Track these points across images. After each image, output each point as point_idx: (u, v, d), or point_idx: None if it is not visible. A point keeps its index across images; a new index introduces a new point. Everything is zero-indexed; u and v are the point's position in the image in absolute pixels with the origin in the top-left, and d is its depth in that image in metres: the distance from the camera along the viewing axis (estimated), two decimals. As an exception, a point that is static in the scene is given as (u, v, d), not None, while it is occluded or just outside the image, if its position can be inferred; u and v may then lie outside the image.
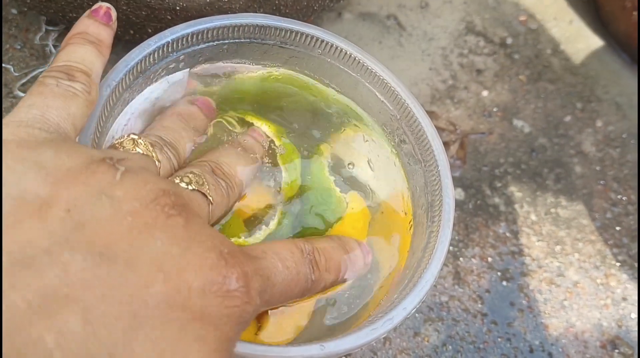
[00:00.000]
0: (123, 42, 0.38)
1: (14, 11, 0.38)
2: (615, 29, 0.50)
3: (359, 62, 0.27)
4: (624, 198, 0.44)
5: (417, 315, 0.36)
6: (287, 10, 0.31)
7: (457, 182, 0.42)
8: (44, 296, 0.14)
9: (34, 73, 0.37)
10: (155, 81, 0.25)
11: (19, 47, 0.38)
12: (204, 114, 0.26)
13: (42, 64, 0.37)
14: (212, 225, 0.23)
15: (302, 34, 0.26)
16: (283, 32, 0.26)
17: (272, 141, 0.26)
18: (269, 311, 0.23)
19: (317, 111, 0.28)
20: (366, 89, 0.28)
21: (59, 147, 0.17)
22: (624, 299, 0.40)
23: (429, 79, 0.45)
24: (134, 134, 0.22)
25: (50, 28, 0.38)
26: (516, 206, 0.42)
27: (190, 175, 0.21)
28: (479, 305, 0.38)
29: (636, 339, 0.39)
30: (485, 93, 0.46)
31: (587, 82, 0.49)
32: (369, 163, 0.28)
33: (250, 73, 0.28)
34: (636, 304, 0.40)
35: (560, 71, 0.49)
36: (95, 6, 0.23)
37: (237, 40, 0.26)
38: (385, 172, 0.28)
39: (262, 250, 0.20)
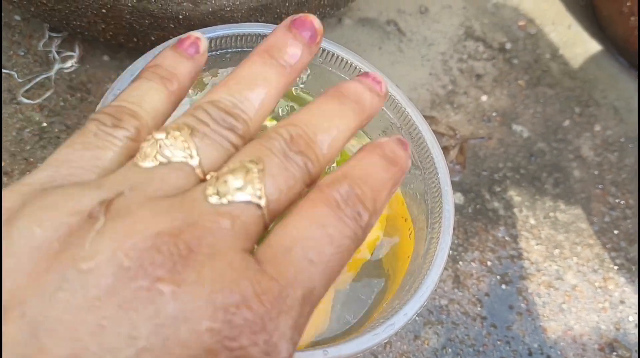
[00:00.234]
0: (126, 49, 0.39)
1: (18, 17, 0.39)
2: (613, 33, 0.51)
3: (360, 70, 0.28)
4: (622, 202, 0.44)
5: (417, 318, 0.37)
6: (289, 18, 0.32)
7: (457, 187, 0.42)
8: None
9: (37, 79, 0.37)
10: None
11: (22, 53, 0.38)
12: (301, 41, 0.20)
13: (45, 71, 0.38)
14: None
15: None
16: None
17: None
18: None
19: None
20: None
21: (40, 205, 0.14)
22: (622, 302, 0.41)
23: (428, 85, 0.46)
24: (160, 131, 0.17)
25: (54, 35, 0.38)
26: (515, 210, 0.42)
27: (229, 178, 0.16)
28: (479, 308, 0.38)
29: (633, 342, 0.39)
30: (484, 98, 0.46)
31: (586, 87, 0.49)
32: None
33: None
34: (633, 307, 0.41)
35: (559, 76, 0.49)
36: (184, 35, 0.21)
37: (240, 50, 0.26)
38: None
39: (285, 248, 0.16)
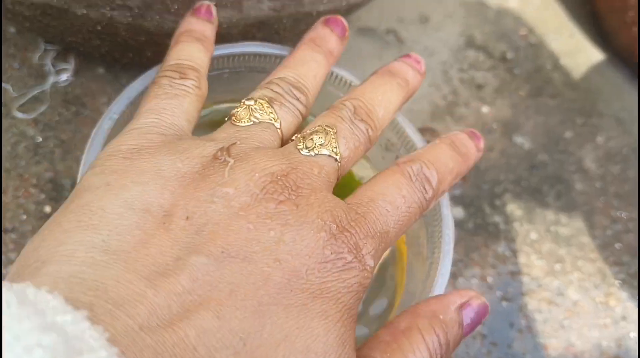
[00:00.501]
0: (121, 64, 0.38)
1: (13, 30, 0.38)
2: (616, 43, 0.50)
3: (354, 84, 0.27)
4: (624, 215, 0.44)
5: (416, 335, 0.36)
6: (286, 34, 0.31)
7: (458, 200, 0.42)
8: (182, 299, 0.15)
9: (33, 93, 0.37)
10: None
11: (17, 66, 0.37)
12: (336, 34, 0.25)
13: (40, 84, 0.37)
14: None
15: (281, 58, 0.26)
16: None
17: None
18: None
19: None
20: None
21: (175, 150, 0.19)
22: (624, 318, 0.40)
23: (429, 95, 0.45)
24: (249, 99, 0.22)
25: (49, 47, 0.38)
26: (516, 224, 0.42)
27: (314, 137, 0.21)
28: (479, 326, 0.38)
29: (636, 359, 0.39)
30: (485, 109, 0.46)
31: (588, 97, 0.49)
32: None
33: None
34: (635, 323, 0.40)
35: (560, 86, 0.48)
36: (196, 5, 0.25)
37: (236, 70, 0.26)
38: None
39: (369, 198, 0.20)
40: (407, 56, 0.25)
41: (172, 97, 0.21)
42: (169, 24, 0.28)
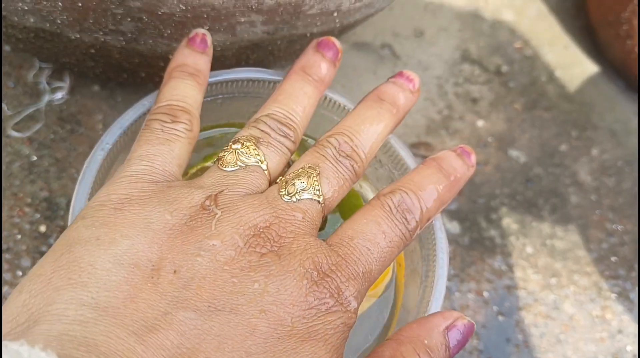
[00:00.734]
0: (115, 82, 0.38)
1: (7, 48, 0.38)
2: (611, 56, 0.50)
3: (347, 109, 0.27)
4: (619, 228, 0.44)
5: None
6: (281, 54, 0.31)
7: (454, 215, 0.42)
8: (171, 354, 0.16)
9: (27, 111, 0.37)
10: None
11: (12, 85, 0.37)
12: (327, 59, 0.25)
13: (35, 102, 0.37)
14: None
15: (274, 83, 0.26)
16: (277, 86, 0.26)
17: None
18: None
19: None
20: None
21: (165, 200, 0.19)
22: (620, 332, 0.40)
23: (424, 110, 0.45)
24: (235, 141, 0.22)
25: (44, 65, 0.38)
26: (512, 238, 0.42)
27: (296, 182, 0.21)
28: (475, 341, 0.38)
29: (632, 373, 0.39)
30: (480, 123, 0.46)
31: (583, 110, 0.49)
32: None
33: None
34: (631, 336, 0.40)
35: (555, 99, 0.49)
36: (191, 33, 0.24)
37: (231, 95, 0.26)
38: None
39: (349, 237, 0.20)
40: (399, 74, 0.25)
41: (163, 142, 0.21)
42: (162, 47, 0.28)
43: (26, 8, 0.25)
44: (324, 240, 0.20)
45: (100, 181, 0.23)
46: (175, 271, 0.17)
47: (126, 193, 0.19)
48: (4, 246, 0.33)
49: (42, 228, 0.34)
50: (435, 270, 0.24)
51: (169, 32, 0.26)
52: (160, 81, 0.33)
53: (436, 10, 0.50)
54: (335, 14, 0.29)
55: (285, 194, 0.20)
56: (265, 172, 0.21)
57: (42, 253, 0.34)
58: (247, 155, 0.21)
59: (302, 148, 0.28)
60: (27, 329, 0.15)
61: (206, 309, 0.17)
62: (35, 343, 0.14)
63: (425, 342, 0.20)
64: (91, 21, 0.25)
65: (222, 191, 0.20)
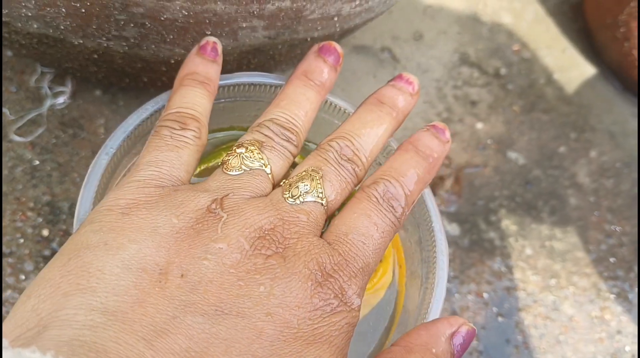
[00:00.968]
0: (117, 87, 0.38)
1: (10, 54, 0.38)
2: (608, 58, 0.51)
3: (348, 113, 0.27)
4: (618, 229, 0.44)
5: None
6: (282, 59, 0.32)
7: (453, 217, 0.42)
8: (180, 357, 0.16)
9: (30, 116, 0.37)
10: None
11: (14, 90, 0.38)
12: (329, 64, 0.25)
13: (37, 107, 0.37)
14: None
15: (278, 87, 0.26)
16: (278, 89, 0.26)
17: None
18: None
19: None
20: None
21: (171, 204, 0.19)
22: (619, 332, 0.41)
23: (423, 113, 0.45)
24: (239, 146, 0.22)
25: (46, 70, 0.38)
26: (511, 240, 0.42)
27: (300, 185, 0.21)
28: (475, 343, 0.38)
29: (631, 373, 0.39)
30: (479, 125, 0.46)
31: (581, 112, 0.49)
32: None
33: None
34: (630, 337, 0.40)
35: (554, 101, 0.49)
36: (202, 41, 0.25)
37: (232, 99, 0.26)
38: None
39: (343, 233, 0.20)
40: (399, 77, 0.25)
41: (172, 149, 0.21)
42: (165, 53, 0.28)
43: (30, 14, 0.25)
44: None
45: (104, 185, 0.23)
46: (182, 275, 0.17)
47: (133, 198, 0.19)
48: (7, 251, 0.34)
49: (45, 232, 0.34)
50: (435, 272, 0.25)
51: (172, 37, 0.26)
52: (163, 85, 0.33)
53: (435, 14, 0.50)
54: (335, 19, 0.29)
55: (289, 196, 0.21)
56: (269, 176, 0.22)
57: (44, 257, 0.34)
58: (251, 159, 0.21)
59: (304, 152, 0.28)
60: (37, 335, 0.15)
61: (213, 313, 0.17)
62: (47, 349, 0.14)
63: (433, 350, 0.20)
64: (94, 27, 0.26)
65: (228, 194, 0.20)
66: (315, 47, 0.25)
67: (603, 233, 0.44)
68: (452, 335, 0.20)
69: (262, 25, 0.27)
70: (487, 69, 0.49)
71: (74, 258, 0.17)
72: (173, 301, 0.17)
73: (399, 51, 0.48)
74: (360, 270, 0.20)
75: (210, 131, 0.27)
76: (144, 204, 0.19)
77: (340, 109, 0.27)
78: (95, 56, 0.29)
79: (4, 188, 0.35)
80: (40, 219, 0.35)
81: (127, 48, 0.27)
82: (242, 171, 0.21)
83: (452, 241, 0.41)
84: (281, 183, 0.22)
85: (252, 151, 0.21)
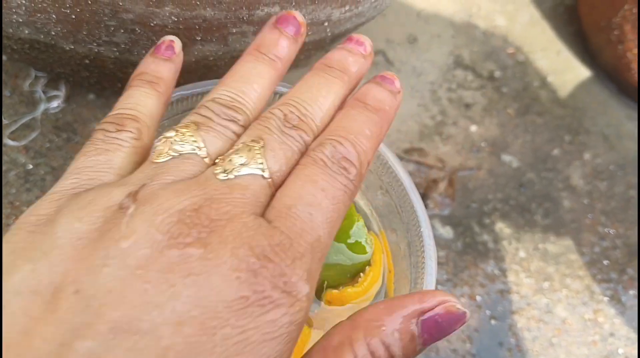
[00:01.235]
0: (110, 91, 0.38)
1: (4, 58, 0.39)
2: (603, 61, 0.51)
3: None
4: (611, 231, 0.44)
5: (406, 356, 0.37)
6: (273, 63, 0.32)
7: (446, 220, 0.42)
8: None
9: (23, 120, 0.37)
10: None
11: (8, 94, 0.38)
12: (286, 35, 0.22)
13: (31, 111, 0.37)
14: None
15: (282, 95, 0.26)
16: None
17: None
18: None
19: None
20: None
21: (77, 206, 0.17)
22: (612, 335, 0.41)
23: (417, 116, 0.46)
24: (169, 130, 0.19)
25: (40, 74, 0.38)
26: (505, 242, 0.42)
27: (234, 157, 0.18)
28: (468, 345, 0.38)
29: (624, 376, 0.39)
30: (473, 128, 0.46)
31: (575, 114, 0.49)
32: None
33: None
34: (623, 339, 0.41)
35: (548, 104, 0.49)
36: (159, 41, 0.23)
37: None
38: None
39: (287, 206, 0.17)
40: (349, 39, 0.23)
41: (101, 153, 0.19)
42: (155, 58, 0.28)
43: (21, 20, 0.26)
44: None
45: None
46: (76, 291, 0.15)
47: (45, 213, 0.17)
48: None
49: (38, 236, 0.34)
50: (424, 276, 0.25)
51: (162, 43, 0.27)
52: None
53: (429, 17, 0.50)
54: (326, 24, 0.29)
55: (220, 172, 0.18)
56: (205, 159, 0.19)
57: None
58: (181, 143, 0.19)
59: None
60: None
61: (107, 333, 0.14)
62: None
63: (383, 328, 0.17)
64: (85, 33, 0.26)
65: (145, 184, 0.17)
66: (273, 18, 0.23)
67: (597, 236, 0.44)
68: (420, 313, 0.17)
69: (252, 31, 0.27)
70: (482, 72, 0.49)
71: None
72: (62, 326, 0.14)
73: (393, 54, 0.48)
74: (309, 247, 0.17)
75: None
76: (45, 218, 0.17)
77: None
78: (87, 61, 0.29)
79: (-2, 192, 0.35)
80: (33, 223, 0.35)
81: (118, 53, 0.28)
82: (170, 156, 0.18)
83: (445, 244, 0.41)
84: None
85: (183, 134, 0.19)
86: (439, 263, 0.40)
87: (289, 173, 0.19)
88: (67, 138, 0.37)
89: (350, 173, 0.19)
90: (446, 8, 0.51)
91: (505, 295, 0.40)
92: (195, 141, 0.19)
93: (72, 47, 0.27)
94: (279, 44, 0.22)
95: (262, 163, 0.18)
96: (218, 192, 0.17)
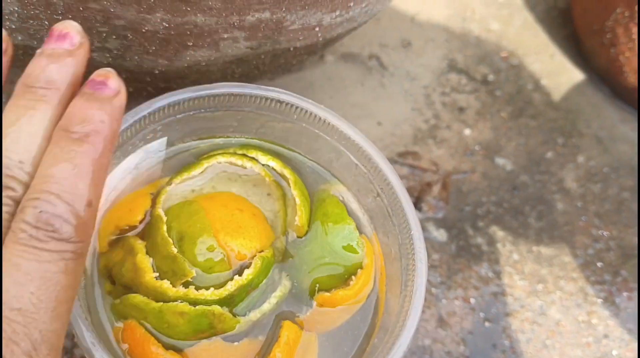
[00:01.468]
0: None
1: (-1, 64, 0.39)
2: (596, 64, 0.51)
3: (331, 124, 0.28)
4: (605, 234, 0.45)
5: (400, 359, 0.37)
6: (266, 68, 0.32)
7: (440, 223, 0.42)
8: None
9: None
10: (132, 151, 0.26)
11: (4, 100, 0.38)
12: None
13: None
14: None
15: (277, 100, 0.27)
16: (258, 100, 0.26)
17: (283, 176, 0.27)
18: None
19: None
20: (345, 156, 0.28)
21: None
22: (606, 336, 0.41)
23: (411, 120, 0.46)
24: None
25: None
26: (498, 245, 0.43)
27: None
28: (462, 348, 0.38)
29: (618, 378, 0.39)
30: (467, 131, 0.46)
31: (569, 117, 0.49)
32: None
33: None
34: (617, 341, 0.41)
35: (541, 106, 0.49)
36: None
37: (213, 110, 0.26)
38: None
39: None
40: (50, 34, 0.19)
41: None
42: (148, 63, 0.28)
43: (14, 27, 0.26)
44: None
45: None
46: None
47: None
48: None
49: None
50: (414, 279, 0.25)
51: (154, 48, 0.27)
52: (148, 95, 0.33)
53: (423, 22, 0.51)
54: (317, 29, 0.29)
55: None
56: None
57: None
58: None
59: (301, 166, 0.29)
60: None
61: None
62: None
63: None
64: (77, 39, 0.26)
65: None
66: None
67: (590, 238, 0.44)
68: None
69: (243, 36, 0.27)
70: (475, 76, 0.49)
71: None
72: None
73: (387, 59, 0.48)
74: (32, 345, 0.14)
75: (191, 141, 0.28)
76: None
77: (320, 119, 0.27)
78: (80, 67, 0.29)
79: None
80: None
81: (110, 59, 0.28)
82: None
83: (439, 247, 0.41)
84: None
85: None
86: (433, 266, 0.40)
87: None
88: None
89: (63, 233, 0.16)
90: (440, 12, 0.52)
91: (499, 298, 0.40)
92: None
93: (66, 53, 0.28)
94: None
95: None
96: None
